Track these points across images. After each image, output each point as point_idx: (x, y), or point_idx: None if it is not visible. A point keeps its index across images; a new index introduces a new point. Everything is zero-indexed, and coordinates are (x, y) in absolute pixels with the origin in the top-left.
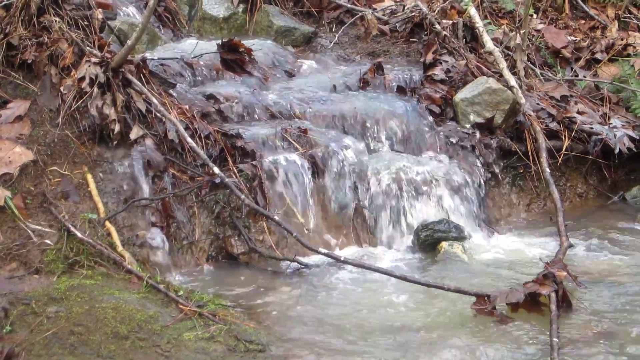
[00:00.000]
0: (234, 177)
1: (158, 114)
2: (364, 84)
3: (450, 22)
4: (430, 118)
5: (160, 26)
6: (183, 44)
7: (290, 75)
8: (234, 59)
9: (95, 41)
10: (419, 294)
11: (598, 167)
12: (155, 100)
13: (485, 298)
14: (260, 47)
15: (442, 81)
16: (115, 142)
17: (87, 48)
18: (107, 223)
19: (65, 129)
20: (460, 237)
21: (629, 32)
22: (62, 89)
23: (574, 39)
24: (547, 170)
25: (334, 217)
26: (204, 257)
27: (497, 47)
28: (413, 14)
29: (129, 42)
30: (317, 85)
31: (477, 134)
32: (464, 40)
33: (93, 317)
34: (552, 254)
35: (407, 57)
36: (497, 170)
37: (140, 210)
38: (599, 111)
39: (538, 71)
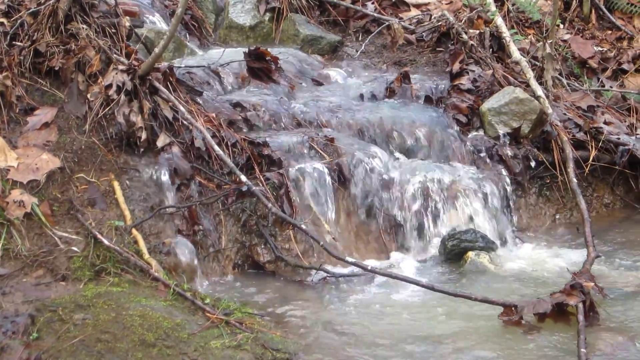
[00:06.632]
0: (261, 185)
1: (185, 122)
2: (390, 93)
3: (477, 31)
4: (457, 127)
5: (187, 34)
6: (209, 52)
7: (317, 83)
8: (260, 67)
9: (123, 49)
10: (445, 303)
11: (625, 177)
12: (182, 108)
13: (513, 308)
14: (286, 56)
15: (468, 91)
16: (142, 150)
17: (114, 55)
18: (134, 230)
19: (92, 136)
20: (487, 247)
21: None
22: (89, 96)
23: (601, 49)
24: (574, 180)
25: (361, 225)
26: (230, 266)
27: (524, 57)
28: (440, 23)
29: (157, 49)
30: (343, 94)
31: (504, 144)
32: (491, 50)
33: (120, 324)
34: (579, 264)
35: (433, 66)
36: (523, 180)
37: (167, 218)
38: (625, 122)
39: (565, 81)
